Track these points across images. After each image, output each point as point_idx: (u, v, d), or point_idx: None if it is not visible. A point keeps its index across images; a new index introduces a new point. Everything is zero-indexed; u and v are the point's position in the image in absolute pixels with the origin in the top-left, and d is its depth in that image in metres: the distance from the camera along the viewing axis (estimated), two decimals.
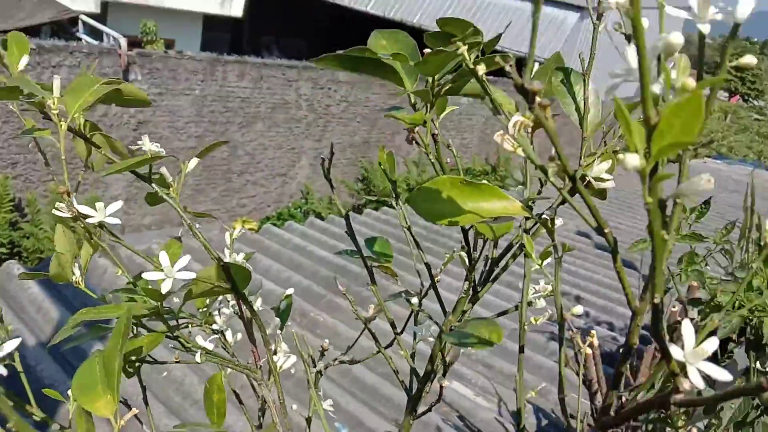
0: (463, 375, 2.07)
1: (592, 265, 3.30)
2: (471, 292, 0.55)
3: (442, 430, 1.78)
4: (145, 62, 4.67)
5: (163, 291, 0.45)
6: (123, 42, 5.09)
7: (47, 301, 2.10)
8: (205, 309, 0.57)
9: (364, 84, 6.50)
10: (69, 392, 0.45)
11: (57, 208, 0.47)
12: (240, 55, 5.56)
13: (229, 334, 0.58)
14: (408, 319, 0.66)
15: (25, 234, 3.26)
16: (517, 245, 0.54)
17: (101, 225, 0.49)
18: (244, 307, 0.57)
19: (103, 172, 0.41)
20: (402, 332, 0.66)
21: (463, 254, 0.57)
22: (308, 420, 0.60)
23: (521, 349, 0.58)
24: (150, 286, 0.48)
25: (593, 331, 1.49)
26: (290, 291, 0.67)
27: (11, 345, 0.44)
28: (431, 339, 0.62)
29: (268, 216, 6.30)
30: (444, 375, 0.61)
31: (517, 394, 0.62)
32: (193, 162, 0.55)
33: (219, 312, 0.57)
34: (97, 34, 6.49)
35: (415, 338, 0.65)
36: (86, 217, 0.48)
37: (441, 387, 0.62)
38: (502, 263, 0.56)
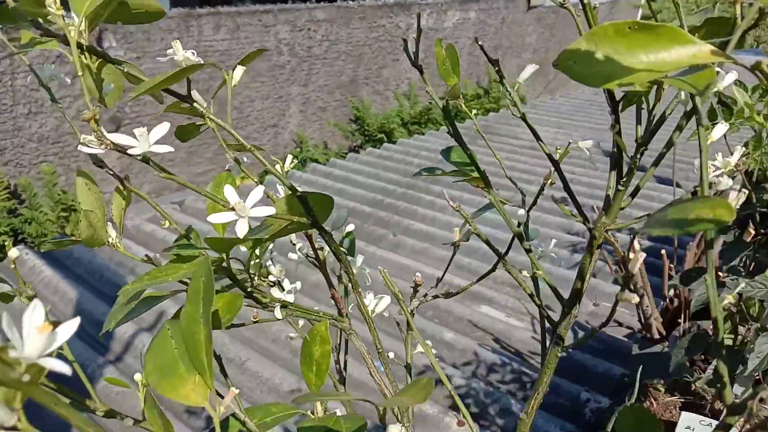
0: (492, 299, 2.06)
1: (603, 173, 3.25)
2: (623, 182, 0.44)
3: (479, 355, 1.78)
4: (117, 27, 4.50)
5: (240, 233, 0.36)
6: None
7: (62, 282, 2.07)
8: (257, 260, 0.50)
9: (342, 20, 6.30)
10: (137, 378, 0.40)
11: (83, 143, 0.37)
12: (212, 6, 5.36)
13: (287, 283, 0.53)
14: (512, 241, 0.60)
15: (26, 219, 3.20)
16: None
17: (146, 159, 0.38)
18: (320, 247, 0.53)
19: (132, 94, 0.35)
20: (507, 252, 0.60)
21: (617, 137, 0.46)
22: (408, 367, 0.55)
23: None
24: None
25: (637, 237, 1.46)
26: (351, 227, 0.59)
27: (68, 330, 0.26)
28: (554, 255, 0.57)
29: (266, 170, 6.21)
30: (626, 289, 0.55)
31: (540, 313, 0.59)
32: (239, 71, 0.48)
33: (272, 261, 0.52)
34: None
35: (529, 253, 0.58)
36: (123, 149, 0.37)
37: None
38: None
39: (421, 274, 0.59)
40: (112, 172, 0.44)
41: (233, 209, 0.36)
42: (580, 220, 0.51)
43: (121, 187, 0.45)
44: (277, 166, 0.60)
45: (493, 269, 0.61)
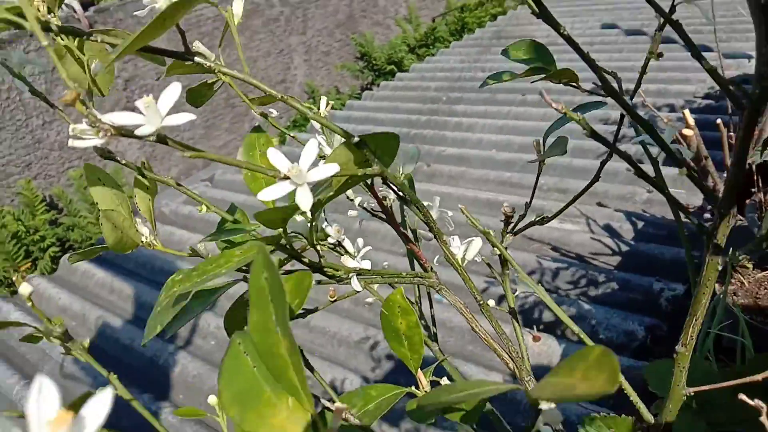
0: (542, 208, 1.99)
1: (628, 53, 3.09)
2: None
3: (542, 265, 1.74)
4: (106, 18, 4.41)
5: (305, 205, 0.29)
6: (77, 6, 4.80)
7: (116, 280, 2.09)
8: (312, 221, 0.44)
9: None
10: (212, 401, 0.36)
11: (74, 135, 0.29)
12: None
13: (348, 244, 0.48)
14: (619, 125, 0.54)
15: (68, 227, 3.25)
16: None
17: (162, 138, 0.30)
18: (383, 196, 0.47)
19: (113, 55, 0.29)
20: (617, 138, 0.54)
21: None
22: (513, 313, 0.50)
23: None
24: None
25: (686, 111, 1.36)
26: (410, 168, 0.50)
27: (98, 410, 0.20)
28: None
29: (286, 127, 6.15)
30: None
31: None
32: (238, 5, 0.42)
33: (326, 221, 0.47)
34: None
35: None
36: (129, 132, 0.29)
37: None
38: None
39: (507, 203, 0.53)
40: (124, 162, 0.39)
41: (286, 177, 0.29)
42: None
43: (141, 177, 0.40)
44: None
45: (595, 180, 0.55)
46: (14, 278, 2.79)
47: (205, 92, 0.42)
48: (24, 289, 0.36)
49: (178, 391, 1.62)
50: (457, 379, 0.49)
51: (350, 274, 0.40)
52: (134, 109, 0.29)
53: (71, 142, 0.30)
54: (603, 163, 0.56)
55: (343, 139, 0.33)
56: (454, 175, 2.39)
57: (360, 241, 0.52)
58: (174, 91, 0.30)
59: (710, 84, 2.69)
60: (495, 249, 0.50)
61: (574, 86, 0.47)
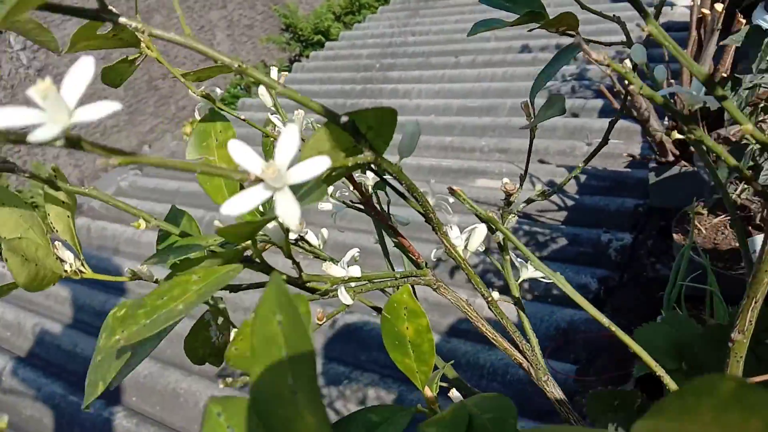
0: (485, 170, 1.99)
1: (556, 8, 3.10)
2: None
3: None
4: None
5: (287, 216, 0.22)
6: None
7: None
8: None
9: None
10: None
11: None
12: None
13: (312, 237, 0.43)
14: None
15: None
16: None
17: (73, 141, 0.21)
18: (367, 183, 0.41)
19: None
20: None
21: None
22: (518, 303, 0.45)
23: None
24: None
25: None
26: (411, 127, 0.44)
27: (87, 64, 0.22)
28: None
29: (222, 98, 5.93)
30: None
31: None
32: None
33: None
34: None
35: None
36: (16, 139, 0.20)
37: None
38: None
39: (508, 180, 0.48)
40: (28, 175, 0.32)
41: (259, 180, 0.22)
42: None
43: (53, 191, 0.34)
44: (261, 88, 0.49)
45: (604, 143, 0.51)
46: None
47: (125, 70, 0.36)
48: None
49: (131, 394, 1.55)
50: (465, 388, 0.45)
51: (337, 285, 0.35)
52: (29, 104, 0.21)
53: None
54: (612, 123, 0.53)
55: (312, 123, 0.27)
56: (394, 143, 2.35)
57: (324, 231, 0.48)
58: (85, 69, 0.21)
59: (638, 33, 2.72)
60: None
61: (570, 35, 0.43)
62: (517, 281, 0.47)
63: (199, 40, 0.26)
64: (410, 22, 3.40)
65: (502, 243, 0.47)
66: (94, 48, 0.33)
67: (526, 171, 0.52)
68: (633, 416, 0.73)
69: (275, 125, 0.49)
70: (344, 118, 0.27)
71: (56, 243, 0.36)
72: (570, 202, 1.82)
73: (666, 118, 1.48)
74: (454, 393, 0.35)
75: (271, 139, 0.48)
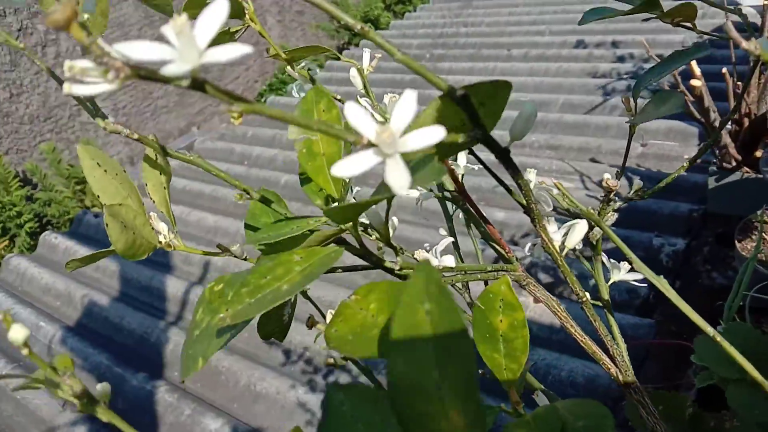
0: (535, 165, 1.95)
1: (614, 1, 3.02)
2: None
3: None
4: None
5: (399, 185, 0.21)
6: None
7: None
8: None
9: None
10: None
11: (71, 77, 0.19)
12: None
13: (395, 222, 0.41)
14: None
15: (45, 202, 3.15)
16: None
17: (198, 84, 0.20)
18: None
19: None
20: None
21: None
22: (607, 306, 0.43)
23: None
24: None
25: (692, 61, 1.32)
26: (527, 108, 0.39)
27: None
28: None
29: (260, 92, 5.98)
30: None
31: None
32: None
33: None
34: None
35: None
36: (148, 75, 0.19)
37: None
38: None
39: (609, 175, 0.47)
40: (135, 136, 0.32)
41: (371, 144, 0.21)
42: None
43: (153, 156, 0.34)
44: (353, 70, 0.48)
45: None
46: None
47: (225, 42, 0.36)
48: (17, 333, 0.28)
49: (173, 369, 1.58)
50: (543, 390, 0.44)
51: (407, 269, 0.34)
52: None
53: (67, 88, 0.20)
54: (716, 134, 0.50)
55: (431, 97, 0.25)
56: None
57: (395, 219, 0.47)
58: (220, 9, 0.20)
59: (694, 35, 2.64)
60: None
61: (687, 27, 0.41)
62: (607, 283, 0.46)
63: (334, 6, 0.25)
64: (463, 13, 3.36)
65: (595, 242, 0.45)
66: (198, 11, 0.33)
67: (623, 169, 0.50)
68: (682, 425, 0.70)
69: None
70: (460, 92, 0.25)
71: (151, 214, 0.36)
72: (622, 204, 1.77)
73: (730, 123, 1.43)
74: (539, 396, 0.34)
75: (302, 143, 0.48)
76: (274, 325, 0.41)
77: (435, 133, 0.21)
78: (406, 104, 0.22)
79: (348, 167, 0.21)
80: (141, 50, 0.20)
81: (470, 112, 0.26)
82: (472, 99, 0.26)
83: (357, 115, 0.22)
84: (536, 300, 1.46)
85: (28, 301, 1.91)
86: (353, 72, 0.50)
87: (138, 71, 0.19)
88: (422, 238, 1.69)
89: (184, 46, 0.20)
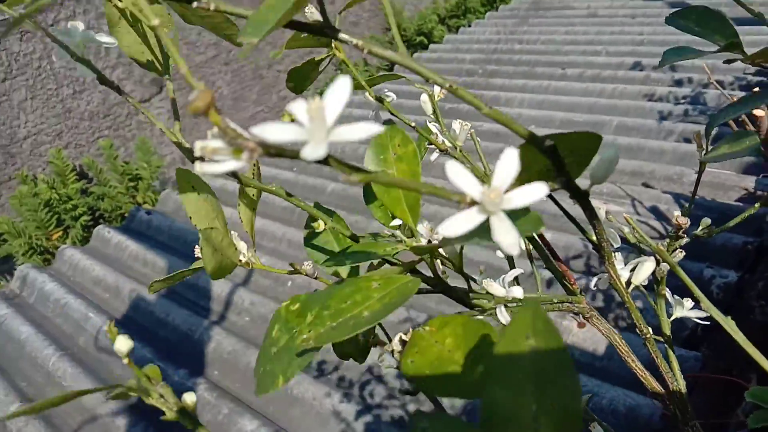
0: (601, 192, 1.92)
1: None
2: None
3: (588, 249, 1.68)
4: None
5: (510, 247, 0.21)
6: None
7: (149, 253, 2.08)
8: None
9: None
10: None
11: (202, 156, 0.20)
12: None
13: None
14: None
15: (99, 196, 3.25)
16: None
17: (326, 160, 0.22)
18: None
19: (243, 37, 0.22)
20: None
21: None
22: (668, 341, 0.43)
23: None
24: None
25: (756, 89, 1.29)
26: (610, 153, 0.37)
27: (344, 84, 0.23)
28: None
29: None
30: None
31: None
32: None
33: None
34: None
35: None
36: (277, 152, 0.21)
37: None
38: None
39: (679, 213, 0.47)
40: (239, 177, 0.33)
41: (473, 202, 0.21)
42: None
43: (248, 183, 0.35)
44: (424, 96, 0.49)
45: None
46: (48, 245, 2.79)
47: (310, 72, 0.37)
48: (122, 345, 0.30)
49: (213, 368, 1.61)
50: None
51: (498, 305, 0.35)
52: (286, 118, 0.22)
53: (199, 167, 0.21)
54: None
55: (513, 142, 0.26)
56: (490, 151, 2.31)
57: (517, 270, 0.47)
58: (343, 89, 0.21)
59: None
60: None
61: (765, 68, 0.41)
62: (669, 318, 0.45)
63: (411, 59, 0.26)
64: (518, 30, 3.35)
65: (660, 278, 0.45)
66: (298, 47, 0.34)
67: (692, 201, 0.49)
68: None
69: (434, 133, 0.49)
70: (548, 142, 0.26)
71: (233, 233, 0.37)
72: (688, 240, 1.73)
73: None
74: (596, 428, 0.34)
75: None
76: (352, 347, 0.42)
77: (538, 191, 0.22)
78: (508, 163, 0.22)
79: (455, 227, 0.22)
80: (275, 132, 0.21)
81: (557, 161, 0.26)
82: (559, 148, 0.26)
83: (459, 175, 0.22)
84: (580, 325, 1.44)
85: (78, 292, 1.98)
86: (424, 98, 0.51)
87: (269, 150, 0.20)
88: (480, 259, 1.68)
89: (315, 126, 0.21)
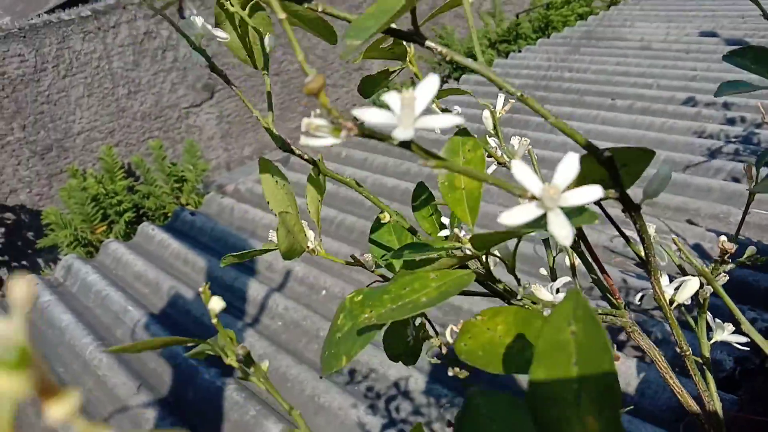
0: (627, 222, 1.90)
1: (728, 65, 2.91)
2: None
3: (627, 283, 1.65)
4: None
5: (562, 238, 0.23)
6: None
7: (191, 252, 2.13)
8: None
9: None
10: None
11: (308, 133, 0.24)
12: None
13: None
14: None
15: (144, 195, 3.34)
16: None
17: (408, 144, 0.24)
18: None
19: (350, 40, 0.25)
20: None
21: None
22: (706, 364, 0.44)
23: None
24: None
25: None
26: (665, 169, 0.40)
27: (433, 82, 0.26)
28: None
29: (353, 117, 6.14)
30: None
31: None
32: None
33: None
34: None
35: None
36: (369, 134, 0.24)
37: None
38: None
39: (725, 238, 0.47)
40: (306, 158, 0.36)
41: (534, 198, 0.24)
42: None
43: (315, 174, 0.37)
44: (486, 113, 0.50)
45: None
46: (92, 239, 2.87)
47: (381, 81, 0.39)
48: (215, 304, 0.33)
49: None
50: None
51: (546, 309, 0.36)
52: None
53: (303, 140, 0.24)
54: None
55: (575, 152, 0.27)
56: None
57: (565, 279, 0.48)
58: (432, 85, 0.24)
59: None
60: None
61: None
62: (710, 341, 0.45)
63: (488, 68, 0.27)
64: (569, 58, 3.34)
65: (702, 300, 0.45)
66: (375, 57, 0.36)
67: (738, 232, 0.49)
68: None
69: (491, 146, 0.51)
70: (607, 153, 0.27)
71: (302, 222, 0.39)
72: (733, 266, 1.69)
73: None
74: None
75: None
76: (400, 346, 0.43)
77: (593, 192, 0.23)
78: (569, 165, 0.24)
79: (515, 217, 0.24)
80: (371, 115, 0.24)
81: (613, 172, 0.28)
82: (615, 160, 0.27)
83: (524, 173, 0.25)
84: (615, 358, 1.43)
85: (120, 285, 2.03)
86: (486, 114, 0.53)
87: (364, 130, 0.23)
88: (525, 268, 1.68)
89: (405, 113, 0.24)
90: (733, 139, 2.27)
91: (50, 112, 3.53)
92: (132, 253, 2.18)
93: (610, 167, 0.28)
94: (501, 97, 0.55)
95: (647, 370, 1.41)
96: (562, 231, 0.23)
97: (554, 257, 0.57)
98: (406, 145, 0.24)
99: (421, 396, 1.44)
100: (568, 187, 0.24)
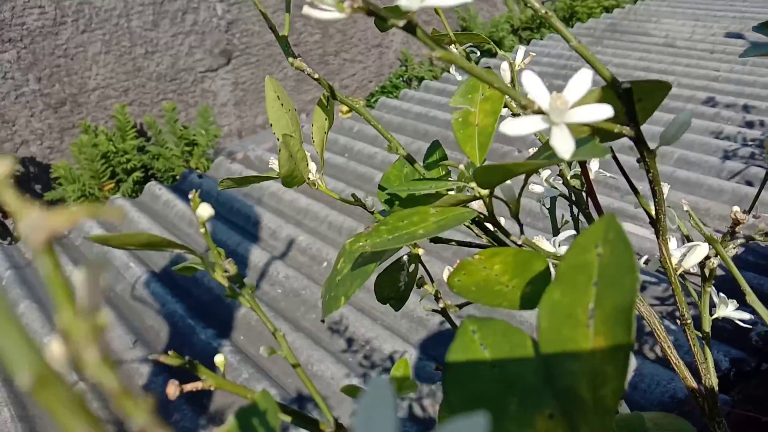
0: (635, 215, 1.89)
1: (752, 67, 2.87)
2: None
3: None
4: None
5: (564, 150, 0.22)
6: None
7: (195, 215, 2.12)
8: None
9: None
10: None
11: (311, 2, 0.23)
12: None
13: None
14: None
15: (154, 155, 3.34)
16: None
17: (411, 27, 0.24)
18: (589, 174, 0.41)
19: None
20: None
21: None
22: (706, 338, 0.43)
23: None
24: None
25: None
26: (685, 115, 0.37)
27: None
28: None
29: (372, 92, 6.11)
30: None
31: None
32: None
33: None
34: None
35: None
36: (372, 11, 0.23)
37: None
38: None
39: (738, 208, 0.46)
40: (317, 77, 0.35)
41: (540, 111, 0.23)
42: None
43: (325, 101, 0.36)
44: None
45: None
46: (99, 195, 2.88)
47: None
48: (203, 211, 0.33)
49: (240, 332, 1.64)
50: None
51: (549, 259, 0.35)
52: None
53: (306, 10, 0.23)
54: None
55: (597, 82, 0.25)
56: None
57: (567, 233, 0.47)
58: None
59: None
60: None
61: None
62: (712, 316, 0.44)
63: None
64: (591, 50, 3.29)
65: (708, 272, 0.44)
66: None
67: (751, 207, 0.48)
68: None
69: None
70: (626, 85, 0.26)
71: (306, 152, 0.38)
72: (720, 272, 1.68)
73: None
74: (622, 404, 0.34)
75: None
76: (391, 290, 0.42)
77: (603, 110, 0.22)
78: (581, 80, 0.23)
79: (517, 127, 0.23)
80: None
81: (629, 105, 0.27)
82: (634, 94, 0.26)
83: (533, 83, 0.23)
84: None
85: None
86: (504, 65, 0.51)
87: (368, 6, 0.21)
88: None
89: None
90: (750, 143, 2.24)
91: (66, 66, 3.53)
92: (138, 210, 2.18)
93: (627, 101, 0.27)
94: (521, 50, 0.54)
95: (641, 364, 1.41)
96: (564, 145, 0.22)
97: (559, 227, 0.56)
98: (410, 29, 0.22)
99: (413, 371, 1.44)
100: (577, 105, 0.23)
